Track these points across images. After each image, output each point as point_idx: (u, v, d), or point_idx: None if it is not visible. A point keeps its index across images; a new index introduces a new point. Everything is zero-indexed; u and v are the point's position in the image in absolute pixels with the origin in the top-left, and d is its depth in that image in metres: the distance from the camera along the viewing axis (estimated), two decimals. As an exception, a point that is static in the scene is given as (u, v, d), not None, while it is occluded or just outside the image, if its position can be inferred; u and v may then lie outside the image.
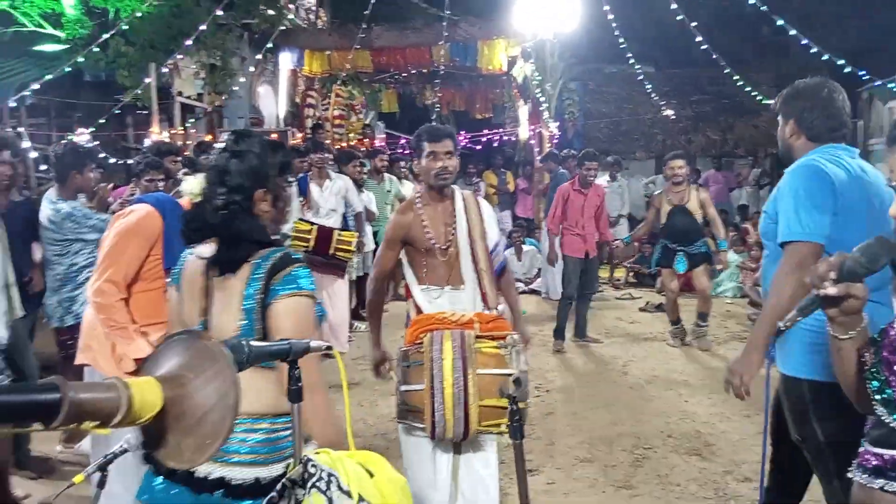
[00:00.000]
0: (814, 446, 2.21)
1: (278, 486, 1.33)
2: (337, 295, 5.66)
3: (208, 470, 1.55)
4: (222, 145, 1.73)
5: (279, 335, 1.56)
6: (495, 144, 13.83)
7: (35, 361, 3.71)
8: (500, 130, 13.88)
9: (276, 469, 1.58)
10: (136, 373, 2.39)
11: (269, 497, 1.31)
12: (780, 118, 2.44)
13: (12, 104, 7.11)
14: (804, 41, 8.39)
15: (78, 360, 2.67)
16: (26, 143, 6.40)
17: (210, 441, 1.15)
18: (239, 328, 1.62)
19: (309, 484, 1.34)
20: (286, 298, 1.60)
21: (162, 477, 1.62)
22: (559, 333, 6.32)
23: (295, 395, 1.40)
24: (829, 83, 2.40)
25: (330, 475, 1.36)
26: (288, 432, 1.59)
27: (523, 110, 12.02)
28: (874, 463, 1.44)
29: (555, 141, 10.86)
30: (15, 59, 8.28)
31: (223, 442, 1.15)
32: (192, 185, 1.73)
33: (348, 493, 1.35)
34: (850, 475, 1.49)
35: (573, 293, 6.40)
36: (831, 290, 1.33)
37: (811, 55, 8.64)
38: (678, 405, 4.65)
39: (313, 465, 1.37)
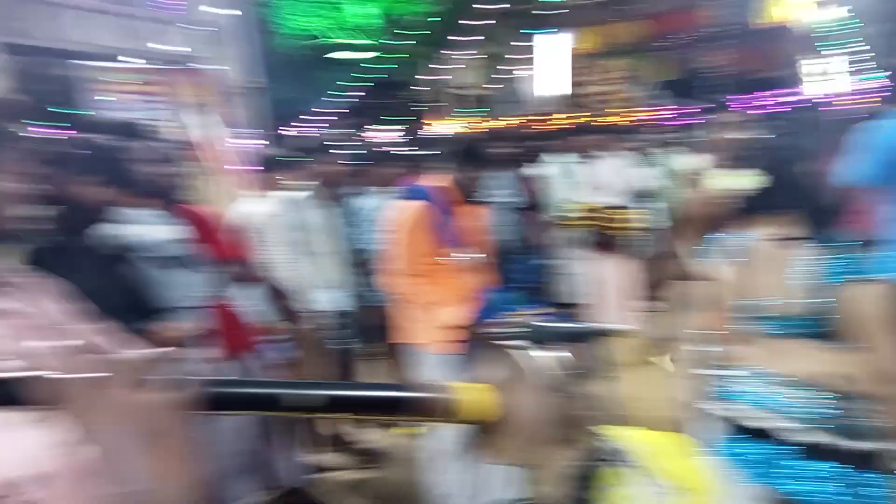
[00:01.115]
0: None
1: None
2: (613, 273, 5.56)
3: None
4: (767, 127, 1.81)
5: (855, 320, 1.50)
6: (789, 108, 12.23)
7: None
8: (793, 90, 12.24)
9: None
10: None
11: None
12: None
13: (317, 109, 8.12)
14: None
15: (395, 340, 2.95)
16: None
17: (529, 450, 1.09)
18: (800, 306, 1.57)
19: (601, 458, 1.27)
20: (868, 284, 1.50)
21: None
22: None
23: (593, 374, 1.36)
24: None
25: (620, 450, 1.29)
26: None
27: (827, 64, 10.41)
28: None
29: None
30: (318, 70, 9.51)
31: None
32: (737, 180, 1.78)
33: (643, 470, 1.28)
34: None
35: None
36: None
37: None
38: None
39: (605, 440, 1.30)
